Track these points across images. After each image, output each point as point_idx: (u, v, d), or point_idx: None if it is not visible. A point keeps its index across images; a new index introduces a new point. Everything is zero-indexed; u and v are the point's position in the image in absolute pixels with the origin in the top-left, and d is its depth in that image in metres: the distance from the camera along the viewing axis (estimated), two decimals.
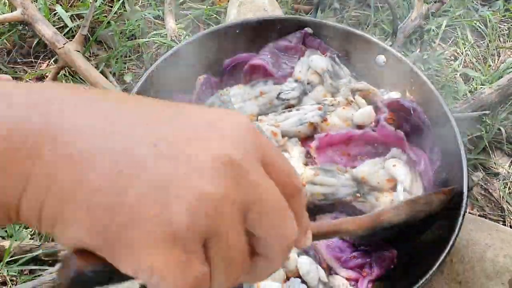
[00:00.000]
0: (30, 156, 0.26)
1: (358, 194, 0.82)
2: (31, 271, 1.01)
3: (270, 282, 0.70)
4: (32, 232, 1.07)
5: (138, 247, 0.26)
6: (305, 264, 0.74)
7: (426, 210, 0.76)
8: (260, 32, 1.03)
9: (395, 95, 0.93)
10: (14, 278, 1.00)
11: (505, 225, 1.17)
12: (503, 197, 1.23)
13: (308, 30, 1.01)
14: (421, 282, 0.73)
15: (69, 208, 0.27)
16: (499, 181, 1.25)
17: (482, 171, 1.27)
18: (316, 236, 0.47)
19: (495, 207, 1.23)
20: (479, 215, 1.17)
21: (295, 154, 0.88)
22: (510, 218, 1.20)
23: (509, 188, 1.24)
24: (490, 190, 1.25)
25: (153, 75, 0.95)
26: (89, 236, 0.27)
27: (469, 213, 1.17)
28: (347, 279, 0.81)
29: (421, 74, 0.95)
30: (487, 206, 1.23)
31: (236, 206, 0.28)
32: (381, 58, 1.00)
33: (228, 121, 0.30)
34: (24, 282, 0.97)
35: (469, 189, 1.21)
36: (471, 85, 1.40)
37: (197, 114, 0.30)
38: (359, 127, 0.88)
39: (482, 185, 1.25)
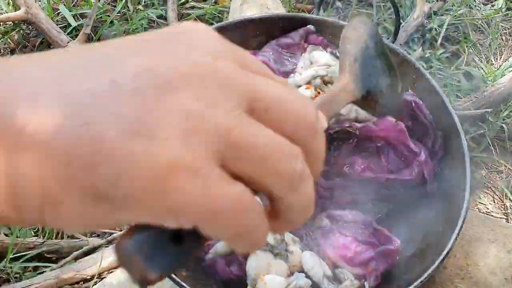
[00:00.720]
0: None
1: None
2: (35, 268, 1.02)
3: (274, 276, 0.70)
4: (35, 229, 1.08)
5: (139, 198, 0.22)
6: (309, 259, 0.74)
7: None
8: (262, 30, 1.03)
9: None
10: (18, 275, 1.00)
11: (508, 222, 1.17)
12: (506, 195, 1.23)
13: (311, 27, 1.01)
14: (424, 277, 0.73)
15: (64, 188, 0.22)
16: (502, 179, 1.25)
17: (485, 169, 1.27)
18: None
19: (498, 205, 1.22)
20: (482, 213, 1.17)
21: None
22: None
23: None
24: (493, 188, 1.25)
25: None
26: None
27: (472, 210, 1.17)
28: (353, 275, 0.81)
29: (423, 71, 0.95)
30: (490, 204, 1.22)
31: (240, 104, 0.23)
32: None
33: (190, 31, 0.26)
34: (28, 278, 0.97)
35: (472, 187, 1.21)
36: (474, 83, 1.40)
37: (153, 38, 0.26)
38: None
39: (485, 183, 1.25)
